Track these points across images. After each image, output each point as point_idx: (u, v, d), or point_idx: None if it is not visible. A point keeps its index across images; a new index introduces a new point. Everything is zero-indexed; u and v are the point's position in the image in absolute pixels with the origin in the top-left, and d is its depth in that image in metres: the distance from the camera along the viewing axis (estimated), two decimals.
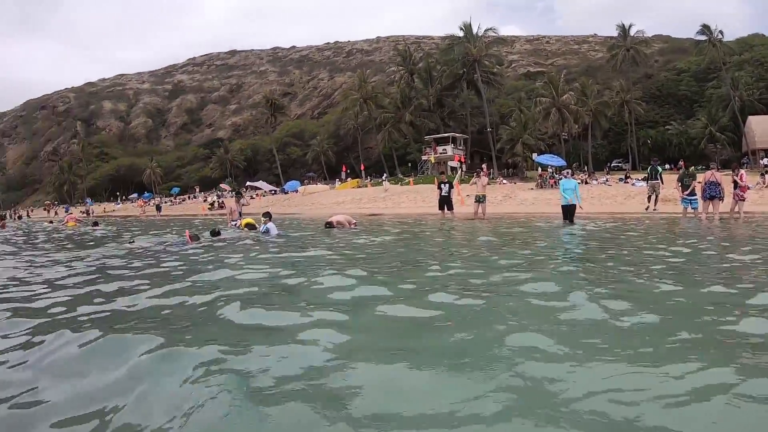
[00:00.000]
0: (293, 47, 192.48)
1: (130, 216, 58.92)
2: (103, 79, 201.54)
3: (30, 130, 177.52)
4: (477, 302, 4.94)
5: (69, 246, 16.99)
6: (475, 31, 66.28)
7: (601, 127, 67.64)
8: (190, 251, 11.61)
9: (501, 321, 4.09)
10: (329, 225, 17.00)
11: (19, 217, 77.88)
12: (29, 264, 10.91)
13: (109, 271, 8.99)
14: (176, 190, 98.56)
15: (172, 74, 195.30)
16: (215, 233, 14.64)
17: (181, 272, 8.42)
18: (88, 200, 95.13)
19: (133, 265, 9.82)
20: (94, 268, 9.72)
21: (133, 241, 15.90)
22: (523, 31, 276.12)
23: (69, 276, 8.61)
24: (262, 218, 16.12)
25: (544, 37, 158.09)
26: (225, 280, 7.24)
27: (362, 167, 72.91)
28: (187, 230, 14.79)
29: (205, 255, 10.85)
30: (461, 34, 67.14)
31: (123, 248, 14.01)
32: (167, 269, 8.97)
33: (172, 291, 6.48)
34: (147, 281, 7.53)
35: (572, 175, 23.29)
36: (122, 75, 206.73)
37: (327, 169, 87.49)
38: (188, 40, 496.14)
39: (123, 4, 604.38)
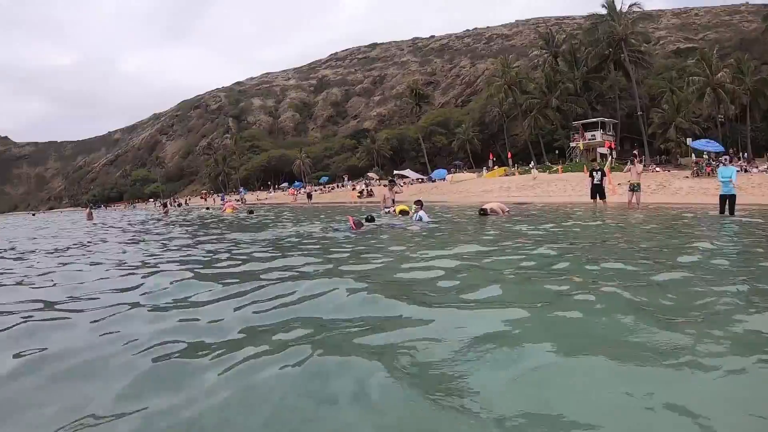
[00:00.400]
0: (432, 36, 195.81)
1: (282, 204, 62.27)
2: (251, 78, 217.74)
3: (185, 128, 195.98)
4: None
5: (242, 229, 19.22)
6: (618, 7, 63.17)
7: (761, 108, 61.73)
8: (368, 236, 12.55)
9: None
10: (483, 212, 17.40)
11: (179, 205, 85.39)
12: (231, 242, 12.98)
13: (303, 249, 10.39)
14: (325, 179, 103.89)
15: (316, 70, 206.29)
16: (370, 219, 15.21)
17: (373, 252, 9.45)
18: (242, 189, 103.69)
19: (323, 244, 11.26)
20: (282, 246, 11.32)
21: (293, 226, 18.11)
22: (668, 4, 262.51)
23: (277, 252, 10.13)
24: (414, 206, 16.84)
25: (692, 9, 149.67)
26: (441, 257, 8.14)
27: (509, 155, 72.31)
28: (350, 216, 15.48)
29: (390, 238, 11.95)
30: (604, 11, 64.48)
31: (290, 231, 15.95)
32: (344, 248, 10.28)
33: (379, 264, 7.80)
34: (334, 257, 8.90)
35: (731, 161, 21.70)
36: (268, 73, 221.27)
37: (473, 156, 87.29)
38: (329, 37, 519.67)
39: (265, 7, 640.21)
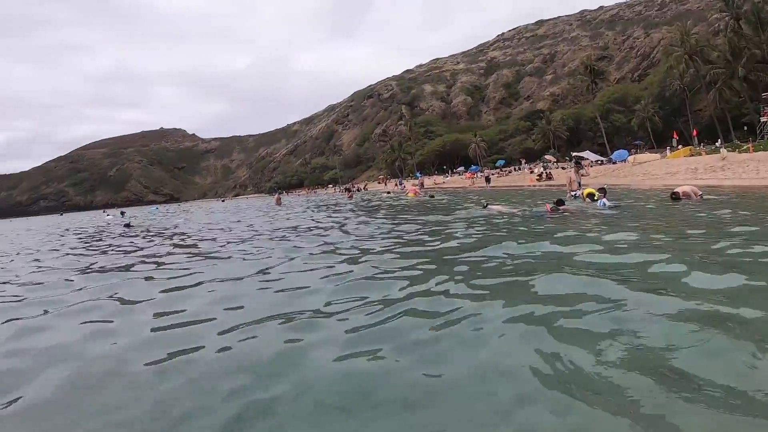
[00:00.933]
0: (601, 7, 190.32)
1: (460, 188, 62.45)
2: (420, 65, 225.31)
3: (360, 117, 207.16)
4: None
5: (435, 211, 21.06)
6: None
7: None
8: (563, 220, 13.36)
9: None
10: (675, 196, 16.69)
11: (358, 190, 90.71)
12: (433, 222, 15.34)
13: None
14: (501, 162, 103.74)
15: (485, 52, 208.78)
16: (560, 203, 15.61)
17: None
18: (418, 174, 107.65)
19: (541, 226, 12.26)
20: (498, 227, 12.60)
21: (486, 205, 18.98)
22: None
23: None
24: (597, 193, 16.98)
25: None
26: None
27: (694, 132, 69.19)
28: (547, 203, 16.06)
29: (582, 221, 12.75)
30: None
31: (483, 212, 17.32)
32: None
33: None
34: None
35: None
36: (437, 59, 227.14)
37: (654, 135, 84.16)
38: (493, 17, 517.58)
39: None
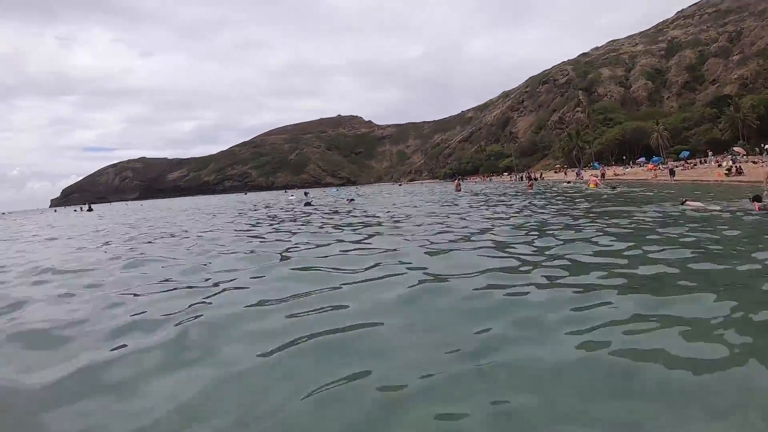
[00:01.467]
0: None
1: (641, 180, 59.15)
2: (596, 48, 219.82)
3: (535, 103, 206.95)
4: None
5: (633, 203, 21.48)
6: None
7: None
8: None
9: None
10: None
11: (535, 179, 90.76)
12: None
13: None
14: (685, 153, 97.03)
15: (664, 31, 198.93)
16: (757, 199, 15.42)
17: None
18: (596, 163, 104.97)
19: None
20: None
21: (684, 201, 18.35)
22: None
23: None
24: None
25: None
26: None
27: None
28: (755, 202, 15.42)
29: None
30: None
31: (677, 207, 17.16)
32: None
33: None
34: None
35: None
36: (613, 41, 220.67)
37: None
38: None
39: None
